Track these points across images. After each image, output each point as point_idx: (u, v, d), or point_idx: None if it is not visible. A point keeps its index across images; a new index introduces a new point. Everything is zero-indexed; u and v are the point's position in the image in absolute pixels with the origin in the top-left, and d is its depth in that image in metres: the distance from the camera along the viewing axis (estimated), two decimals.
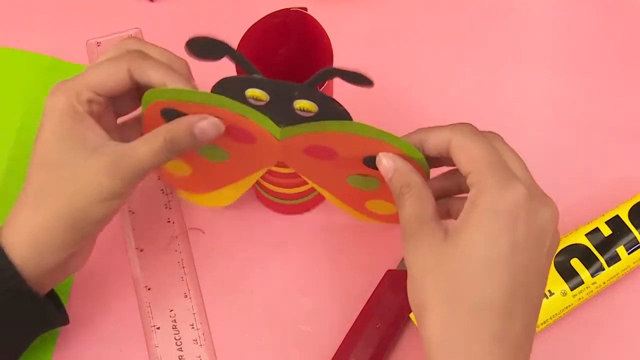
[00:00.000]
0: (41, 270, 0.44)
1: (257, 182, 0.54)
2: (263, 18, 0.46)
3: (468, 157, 0.40)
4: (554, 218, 0.40)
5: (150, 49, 0.47)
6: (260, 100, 0.41)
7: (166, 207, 0.56)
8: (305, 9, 0.46)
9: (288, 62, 0.50)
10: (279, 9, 0.47)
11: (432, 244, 0.39)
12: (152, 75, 0.45)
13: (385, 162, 0.42)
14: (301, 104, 0.41)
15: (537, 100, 0.61)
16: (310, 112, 0.41)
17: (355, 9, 0.64)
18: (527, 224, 0.38)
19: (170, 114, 0.44)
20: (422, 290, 0.39)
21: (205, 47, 0.41)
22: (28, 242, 0.43)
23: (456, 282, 0.38)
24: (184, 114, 0.44)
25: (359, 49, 0.62)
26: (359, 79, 0.40)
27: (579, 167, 0.58)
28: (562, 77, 0.62)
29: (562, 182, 0.57)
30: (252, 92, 0.41)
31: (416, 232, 0.40)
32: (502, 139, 0.42)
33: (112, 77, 0.45)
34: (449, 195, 0.45)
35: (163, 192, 0.57)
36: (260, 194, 0.56)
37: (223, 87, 0.42)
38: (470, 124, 0.42)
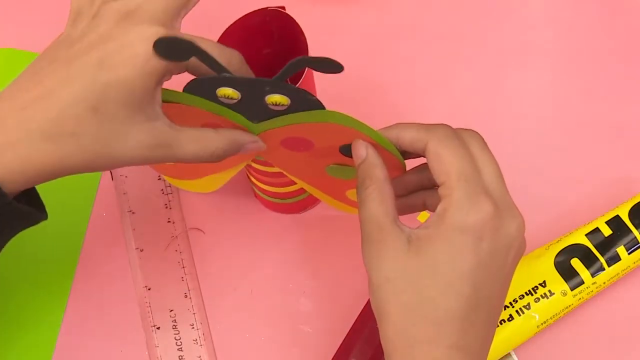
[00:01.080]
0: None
1: (252, 183, 0.54)
2: (242, 17, 0.46)
3: (441, 167, 0.39)
4: (520, 231, 0.40)
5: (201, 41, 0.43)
6: (231, 98, 0.41)
7: (166, 207, 0.56)
8: (284, 7, 0.46)
9: (272, 62, 0.50)
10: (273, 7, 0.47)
11: (394, 253, 0.39)
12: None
13: (357, 150, 0.42)
14: (273, 98, 0.40)
15: (537, 100, 0.61)
16: (283, 105, 0.41)
17: (355, 8, 0.64)
18: (491, 241, 0.39)
19: None
20: (382, 298, 0.39)
21: (171, 48, 0.39)
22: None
23: (418, 295, 0.38)
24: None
25: (359, 49, 0.62)
26: (327, 65, 0.39)
27: (579, 167, 0.58)
28: (562, 77, 0.62)
29: (563, 181, 0.57)
30: (223, 90, 0.40)
31: (378, 237, 0.39)
32: (480, 139, 0.42)
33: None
34: (425, 187, 0.44)
35: (163, 193, 0.57)
36: (257, 195, 0.56)
37: (194, 87, 0.41)
38: (447, 126, 0.41)
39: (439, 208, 0.39)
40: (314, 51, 0.46)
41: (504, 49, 0.63)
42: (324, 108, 0.41)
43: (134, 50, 0.38)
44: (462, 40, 0.63)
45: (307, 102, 0.40)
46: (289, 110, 0.41)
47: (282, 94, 0.40)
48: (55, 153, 0.39)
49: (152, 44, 0.38)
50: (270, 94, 0.40)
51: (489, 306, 0.39)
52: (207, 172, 0.51)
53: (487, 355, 0.40)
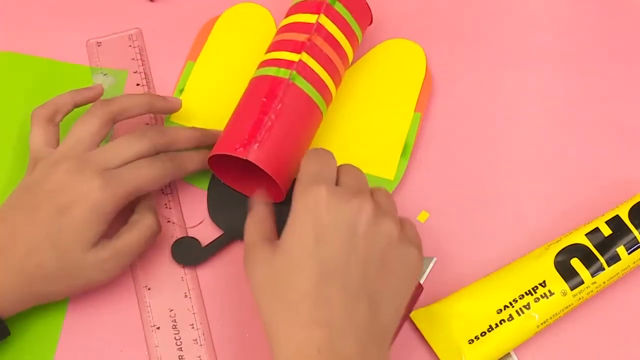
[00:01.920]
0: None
1: None
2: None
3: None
4: (364, 209, 0.43)
5: (169, 131, 0.53)
6: None
7: (166, 207, 0.56)
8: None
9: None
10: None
11: (261, 262, 0.44)
12: (191, 169, 0.54)
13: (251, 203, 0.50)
14: None
15: (538, 100, 0.61)
16: None
17: None
18: (330, 217, 0.42)
19: None
20: (256, 301, 0.44)
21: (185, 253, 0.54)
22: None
23: (278, 288, 0.42)
24: None
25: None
26: None
27: (579, 167, 0.58)
28: (562, 78, 0.62)
29: (563, 181, 0.57)
30: None
31: (251, 253, 0.45)
32: (349, 166, 0.48)
33: (157, 183, 0.51)
34: None
35: (163, 193, 0.57)
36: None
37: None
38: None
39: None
40: None
41: (504, 50, 0.63)
42: None
43: (87, 199, 0.47)
44: (461, 40, 0.63)
45: None
46: None
47: None
48: (25, 282, 0.47)
49: (98, 191, 0.48)
50: None
51: (343, 281, 0.42)
52: None
53: (372, 333, 0.42)
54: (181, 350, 0.52)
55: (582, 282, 0.51)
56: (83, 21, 0.63)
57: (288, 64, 0.53)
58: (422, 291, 0.51)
